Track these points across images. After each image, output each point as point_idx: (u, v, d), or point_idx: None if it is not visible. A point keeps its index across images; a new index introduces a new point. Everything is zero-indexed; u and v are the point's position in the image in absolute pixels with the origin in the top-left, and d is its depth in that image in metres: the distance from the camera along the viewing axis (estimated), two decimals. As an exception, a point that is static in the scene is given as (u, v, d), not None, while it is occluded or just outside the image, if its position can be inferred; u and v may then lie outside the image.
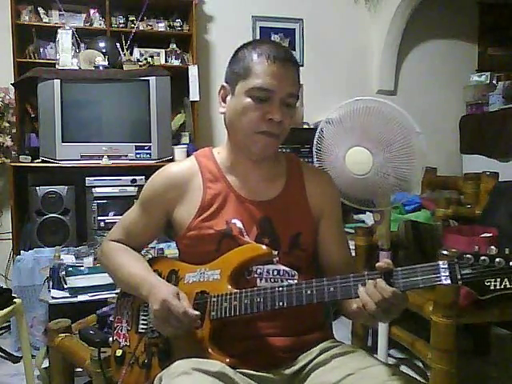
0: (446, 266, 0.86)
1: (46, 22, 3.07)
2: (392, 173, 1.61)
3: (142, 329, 1.12)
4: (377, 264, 0.92)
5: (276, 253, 1.07)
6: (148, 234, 1.23)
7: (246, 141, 1.10)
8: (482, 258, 0.83)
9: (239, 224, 1.10)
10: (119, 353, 1.13)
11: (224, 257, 1.07)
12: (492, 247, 0.84)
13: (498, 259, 0.82)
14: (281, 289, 0.97)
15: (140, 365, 1.09)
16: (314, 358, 1.06)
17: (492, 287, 0.82)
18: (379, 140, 1.61)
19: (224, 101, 1.13)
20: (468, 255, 0.84)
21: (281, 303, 0.96)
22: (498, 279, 0.82)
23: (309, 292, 0.95)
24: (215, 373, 0.91)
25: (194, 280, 1.08)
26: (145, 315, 1.13)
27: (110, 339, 1.21)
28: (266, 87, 1.05)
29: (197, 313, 0.98)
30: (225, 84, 1.13)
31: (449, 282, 0.85)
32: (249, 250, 1.07)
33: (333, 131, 1.69)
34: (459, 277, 0.84)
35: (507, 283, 0.81)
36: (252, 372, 1.01)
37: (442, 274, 0.86)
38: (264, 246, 1.05)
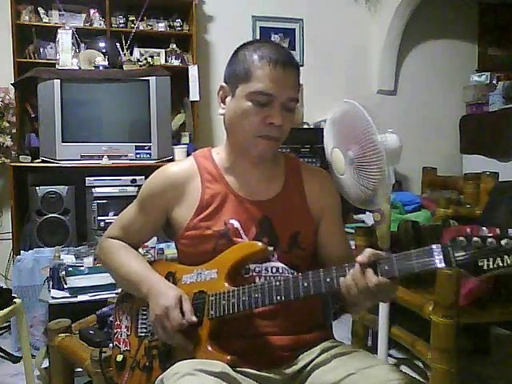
0: (440, 250, 0.85)
1: (46, 22, 3.07)
2: (358, 179, 1.63)
3: (142, 332, 1.12)
4: (357, 258, 0.91)
5: (272, 249, 1.07)
6: (145, 233, 1.23)
7: (246, 144, 1.10)
8: (474, 239, 0.84)
9: (237, 224, 1.10)
10: (120, 358, 1.13)
11: (220, 256, 1.07)
12: (483, 228, 0.84)
13: (489, 239, 0.83)
14: (277, 283, 0.97)
15: (141, 368, 1.09)
16: (315, 358, 1.06)
17: (485, 267, 0.83)
18: (352, 144, 1.62)
19: (223, 102, 1.13)
20: (460, 238, 0.85)
21: (278, 297, 0.96)
22: (491, 258, 0.82)
23: (305, 284, 0.95)
24: (218, 373, 0.91)
25: (192, 281, 1.08)
26: (144, 319, 1.13)
27: (110, 345, 1.21)
28: (267, 92, 1.05)
29: (194, 319, 0.99)
30: (224, 84, 1.13)
31: (443, 264, 0.85)
32: (244, 247, 1.07)
33: (326, 131, 1.73)
34: (453, 259, 0.84)
35: (499, 262, 0.82)
36: (253, 371, 1.01)
37: (436, 257, 0.85)
38: (259, 243, 1.05)
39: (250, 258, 1.06)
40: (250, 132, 1.07)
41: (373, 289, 0.88)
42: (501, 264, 0.82)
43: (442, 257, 0.85)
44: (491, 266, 0.82)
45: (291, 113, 1.10)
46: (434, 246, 0.86)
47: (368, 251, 0.91)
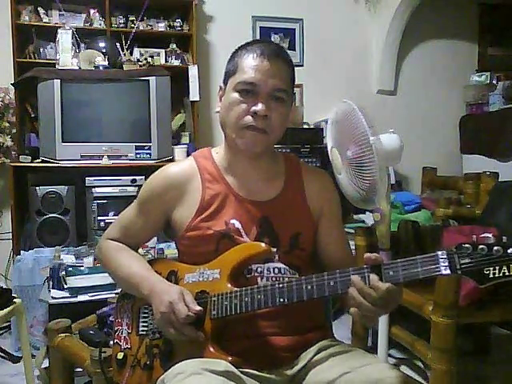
0: (445, 257, 0.85)
1: (46, 22, 3.06)
2: (352, 178, 1.63)
3: (143, 331, 1.12)
4: (365, 255, 0.91)
5: (275, 250, 1.06)
6: (145, 234, 1.23)
7: (234, 136, 1.10)
8: (481, 246, 0.83)
9: (238, 224, 1.10)
10: (120, 356, 1.13)
11: (223, 256, 1.07)
12: (489, 236, 0.83)
13: (496, 247, 0.82)
14: (281, 285, 0.97)
15: (142, 367, 1.09)
16: (312, 357, 1.06)
17: (491, 275, 0.81)
18: (350, 145, 1.62)
19: (220, 101, 1.15)
20: (466, 245, 0.84)
21: (281, 300, 0.96)
22: (497, 267, 0.81)
23: (309, 287, 0.94)
24: (223, 372, 0.91)
25: (194, 280, 1.08)
26: (145, 317, 1.13)
27: (111, 342, 1.21)
28: (250, 81, 1.06)
29: (199, 308, 0.99)
30: (221, 85, 1.15)
31: (448, 272, 0.84)
32: (247, 248, 1.07)
33: (327, 131, 1.74)
34: (458, 266, 0.84)
35: (506, 271, 0.81)
36: (254, 372, 1.01)
37: (442, 264, 0.85)
38: (263, 244, 1.05)
39: (252, 259, 1.06)
40: (236, 123, 1.08)
41: (382, 296, 0.88)
42: (507, 273, 0.81)
43: (447, 264, 0.84)
44: (497, 275, 0.81)
45: (281, 104, 1.09)
46: (439, 253, 0.85)
47: (373, 254, 0.91)
